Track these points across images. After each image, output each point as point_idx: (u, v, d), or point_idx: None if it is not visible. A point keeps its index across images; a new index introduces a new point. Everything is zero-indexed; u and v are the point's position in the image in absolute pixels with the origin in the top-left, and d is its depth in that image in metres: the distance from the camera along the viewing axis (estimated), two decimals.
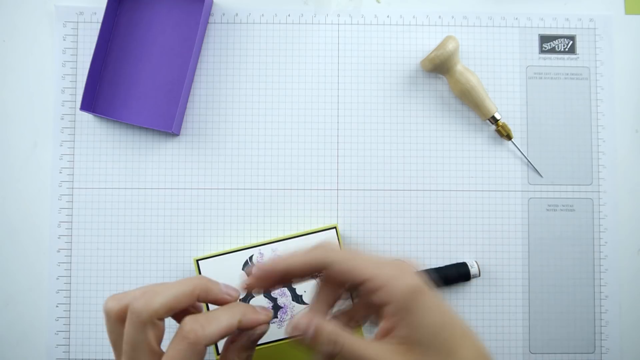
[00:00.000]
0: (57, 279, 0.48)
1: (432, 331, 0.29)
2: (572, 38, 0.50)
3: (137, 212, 0.48)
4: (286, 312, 0.45)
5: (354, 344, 0.30)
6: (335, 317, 0.34)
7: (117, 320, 0.30)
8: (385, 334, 0.31)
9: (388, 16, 0.50)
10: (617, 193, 0.49)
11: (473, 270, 0.47)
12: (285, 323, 0.45)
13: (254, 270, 0.33)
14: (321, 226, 0.47)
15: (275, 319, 0.45)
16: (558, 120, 0.50)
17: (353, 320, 0.34)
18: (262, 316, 0.33)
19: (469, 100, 0.48)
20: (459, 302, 0.48)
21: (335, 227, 0.46)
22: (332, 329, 0.31)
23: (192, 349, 0.29)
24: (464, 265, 0.47)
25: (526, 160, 0.49)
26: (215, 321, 0.30)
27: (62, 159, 0.49)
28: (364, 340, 0.31)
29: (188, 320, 0.30)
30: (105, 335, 0.47)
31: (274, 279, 0.33)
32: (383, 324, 0.31)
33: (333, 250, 0.32)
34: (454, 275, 0.47)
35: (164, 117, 0.48)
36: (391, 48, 0.50)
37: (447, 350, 0.29)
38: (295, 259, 0.32)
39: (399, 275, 0.30)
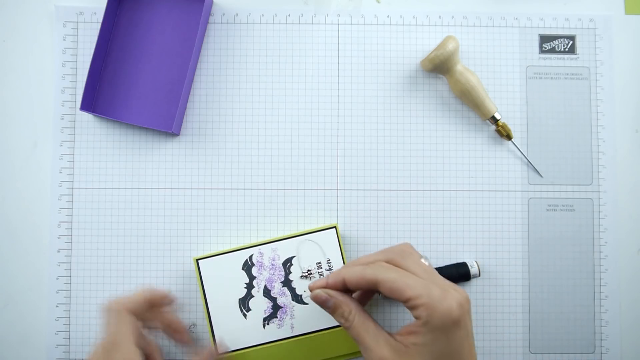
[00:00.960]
0: (57, 279, 0.48)
1: None
2: (572, 38, 0.50)
3: (137, 212, 0.48)
4: (286, 312, 0.45)
5: (361, 326, 0.36)
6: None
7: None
8: (409, 332, 0.35)
9: (388, 16, 0.50)
10: (617, 193, 0.49)
11: (473, 270, 0.47)
12: (285, 322, 0.45)
13: (321, 294, 0.38)
14: (321, 226, 0.47)
15: (274, 319, 0.45)
16: (558, 120, 0.50)
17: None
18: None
19: (469, 100, 0.48)
20: None
21: (335, 227, 0.46)
22: (346, 307, 0.37)
23: None
24: (464, 265, 0.47)
25: (526, 160, 0.49)
26: None
27: (62, 159, 0.49)
28: (374, 326, 0.36)
29: None
30: None
31: (338, 286, 0.38)
32: (409, 327, 0.35)
33: (386, 269, 0.36)
34: (454, 275, 0.47)
35: (164, 117, 0.48)
36: (391, 48, 0.50)
37: None
38: (353, 272, 0.37)
39: (444, 299, 0.34)
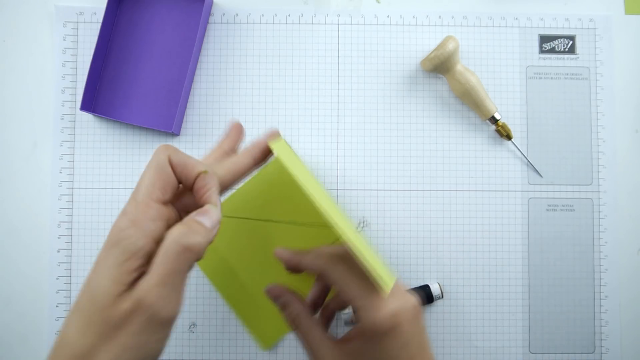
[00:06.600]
0: (57, 279, 0.48)
1: None
2: (572, 38, 0.50)
3: None
4: None
5: (306, 331, 0.36)
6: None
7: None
8: (348, 339, 0.34)
9: (388, 16, 0.50)
10: (617, 193, 0.49)
11: (436, 293, 0.47)
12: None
13: (283, 254, 0.39)
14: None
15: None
16: (558, 120, 0.50)
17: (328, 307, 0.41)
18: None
19: (469, 100, 0.48)
20: (459, 301, 0.48)
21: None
22: (294, 310, 0.37)
23: None
24: (426, 288, 0.47)
25: (526, 160, 0.49)
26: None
27: (62, 159, 0.49)
28: (319, 332, 0.36)
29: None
30: None
31: (293, 263, 0.39)
32: (350, 332, 0.35)
33: (335, 264, 0.35)
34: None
35: (164, 117, 0.48)
36: (391, 48, 0.50)
37: None
38: (306, 259, 0.37)
39: (379, 307, 0.33)
